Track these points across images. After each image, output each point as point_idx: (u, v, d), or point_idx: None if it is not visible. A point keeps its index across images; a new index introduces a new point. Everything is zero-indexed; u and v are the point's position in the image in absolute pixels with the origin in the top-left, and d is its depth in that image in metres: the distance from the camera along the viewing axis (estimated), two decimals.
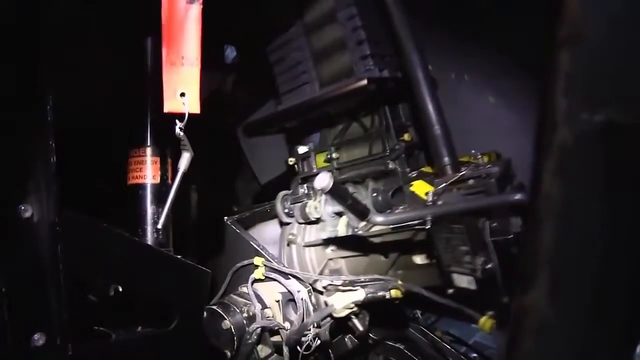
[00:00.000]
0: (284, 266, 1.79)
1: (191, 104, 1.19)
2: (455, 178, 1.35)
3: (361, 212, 1.45)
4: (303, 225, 1.90)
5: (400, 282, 1.53)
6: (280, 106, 2.01)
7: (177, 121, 1.22)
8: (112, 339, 1.39)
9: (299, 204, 1.90)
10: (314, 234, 1.88)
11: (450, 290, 1.37)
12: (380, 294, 1.52)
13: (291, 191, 2.05)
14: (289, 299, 1.71)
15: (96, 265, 1.27)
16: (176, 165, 1.38)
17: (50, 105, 1.10)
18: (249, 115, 2.45)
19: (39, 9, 1.10)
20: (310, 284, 1.71)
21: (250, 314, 1.67)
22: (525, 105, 1.75)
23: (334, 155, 1.93)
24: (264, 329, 1.65)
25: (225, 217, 2.03)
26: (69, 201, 1.15)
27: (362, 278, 1.60)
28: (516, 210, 1.21)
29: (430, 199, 1.37)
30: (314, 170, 1.99)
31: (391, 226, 1.48)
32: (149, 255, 1.44)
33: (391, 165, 1.75)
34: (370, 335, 1.92)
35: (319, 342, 1.61)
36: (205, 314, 1.65)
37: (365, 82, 1.65)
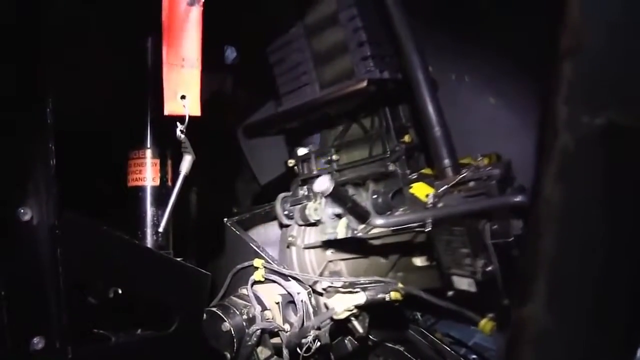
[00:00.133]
0: (284, 268, 1.79)
1: (192, 106, 1.18)
2: (455, 180, 1.34)
3: (361, 215, 1.45)
4: (303, 227, 1.90)
5: (400, 284, 1.52)
6: (280, 107, 2.01)
7: (177, 124, 1.21)
8: (111, 342, 1.39)
9: (299, 205, 1.90)
10: (313, 235, 1.87)
11: (451, 293, 1.37)
12: (381, 296, 1.52)
13: (291, 193, 2.05)
14: (289, 301, 1.71)
15: (96, 268, 1.26)
16: (176, 167, 1.38)
17: (50, 107, 1.09)
18: (249, 116, 2.45)
19: (39, 9, 1.10)
20: (310, 286, 1.71)
21: (250, 315, 1.67)
22: (526, 106, 1.75)
23: (334, 156, 1.92)
24: (263, 330, 1.64)
25: (225, 219, 2.03)
26: (68, 203, 1.15)
27: (362, 280, 1.60)
28: (517, 213, 1.21)
29: (430, 201, 1.37)
30: (314, 172, 1.99)
31: (391, 228, 1.48)
32: (148, 258, 1.44)
33: (391, 167, 1.75)
34: (370, 337, 1.92)
35: (319, 344, 1.60)
36: (204, 315, 1.64)
37: (365, 83, 1.65)
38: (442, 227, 1.31)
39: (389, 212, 1.73)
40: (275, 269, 1.76)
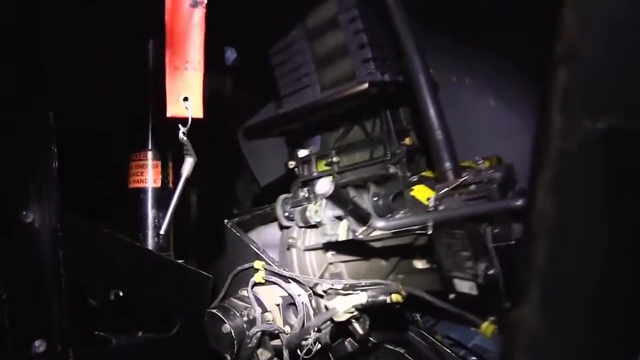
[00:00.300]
0: (284, 270, 1.79)
1: (194, 109, 1.18)
2: (456, 183, 1.35)
3: (362, 218, 1.45)
4: (303, 229, 1.90)
5: (401, 286, 1.52)
6: (281, 109, 2.00)
7: (180, 126, 1.21)
8: (113, 345, 1.39)
9: (299, 207, 1.90)
10: (314, 237, 1.87)
11: (452, 296, 1.37)
12: (381, 298, 1.52)
13: (291, 194, 2.05)
14: (289, 303, 1.71)
15: (97, 270, 1.26)
16: (177, 168, 1.38)
17: (52, 110, 1.09)
18: (250, 117, 2.45)
19: (39, 9, 1.10)
20: (310, 288, 1.71)
21: (251, 317, 1.67)
22: (526, 108, 1.75)
23: (335, 159, 1.92)
24: (264, 332, 1.64)
25: (226, 220, 2.02)
26: (70, 205, 1.15)
27: (362, 282, 1.60)
28: (518, 216, 1.21)
29: (431, 204, 1.37)
30: (315, 174, 1.99)
31: (392, 231, 1.48)
32: (150, 260, 1.44)
33: (392, 170, 1.74)
34: (370, 338, 1.92)
35: (319, 346, 1.60)
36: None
37: (366, 85, 1.65)
38: (443, 230, 1.31)
39: (389, 215, 1.73)
40: (276, 271, 1.76)
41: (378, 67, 1.70)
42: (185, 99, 1.17)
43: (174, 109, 1.17)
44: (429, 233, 1.30)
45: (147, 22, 1.54)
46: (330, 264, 1.82)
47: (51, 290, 1.09)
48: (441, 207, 1.35)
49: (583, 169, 0.71)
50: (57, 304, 1.09)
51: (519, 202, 1.17)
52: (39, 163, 1.08)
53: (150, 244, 1.59)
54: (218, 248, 2.01)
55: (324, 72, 1.86)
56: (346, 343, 1.89)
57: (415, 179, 1.70)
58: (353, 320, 1.63)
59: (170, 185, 1.64)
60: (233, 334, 1.61)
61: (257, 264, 1.78)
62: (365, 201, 1.81)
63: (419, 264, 1.60)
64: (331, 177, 1.89)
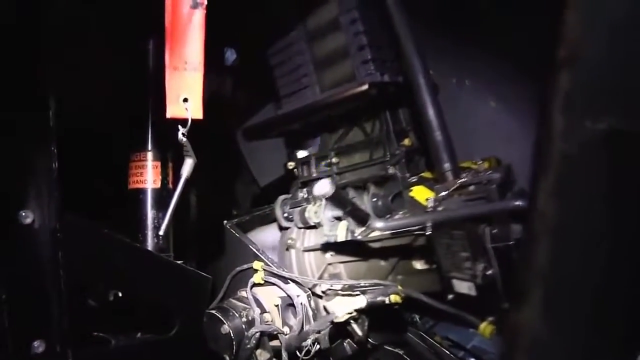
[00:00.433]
0: (284, 270, 1.78)
1: (194, 110, 1.18)
2: (456, 184, 1.35)
3: (361, 218, 1.46)
4: (302, 229, 1.90)
5: (400, 287, 1.53)
6: (280, 110, 2.00)
7: (179, 127, 1.21)
8: (112, 345, 1.39)
9: (299, 208, 1.90)
10: (313, 238, 1.87)
11: (450, 296, 1.37)
12: (380, 299, 1.52)
13: (290, 195, 2.05)
14: (288, 304, 1.70)
15: (97, 271, 1.26)
16: (177, 169, 1.38)
17: (52, 110, 1.09)
18: (249, 118, 2.44)
19: (39, 9, 1.10)
20: (309, 289, 1.71)
21: (249, 318, 1.67)
22: (526, 110, 1.76)
23: (334, 159, 1.92)
24: (262, 333, 1.64)
25: (225, 221, 2.02)
26: (69, 205, 1.15)
27: (361, 283, 1.60)
28: (516, 217, 1.21)
29: (430, 204, 1.37)
30: (314, 175, 1.99)
31: (391, 232, 1.48)
32: (149, 260, 1.44)
33: (391, 170, 1.74)
34: (369, 340, 1.92)
35: (318, 347, 1.60)
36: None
37: (366, 86, 1.65)
38: (442, 230, 1.31)
39: (388, 216, 1.74)
40: (275, 272, 1.76)
41: (378, 68, 1.70)
42: (185, 99, 1.17)
43: (173, 110, 1.17)
44: (427, 234, 1.31)
45: (147, 23, 1.54)
46: (329, 264, 1.82)
47: (50, 290, 1.09)
48: (440, 208, 1.35)
49: (584, 170, 0.71)
50: (57, 305, 1.09)
51: (518, 203, 1.18)
52: (39, 163, 1.08)
53: (150, 244, 1.59)
54: (217, 249, 2.01)
55: (323, 73, 1.86)
56: (345, 344, 1.88)
57: (414, 180, 1.70)
58: (352, 322, 1.63)
59: (170, 185, 1.64)
60: (232, 335, 1.61)
61: (256, 264, 1.78)
62: (365, 202, 1.81)
63: (418, 265, 1.60)
64: (330, 178, 1.89)
